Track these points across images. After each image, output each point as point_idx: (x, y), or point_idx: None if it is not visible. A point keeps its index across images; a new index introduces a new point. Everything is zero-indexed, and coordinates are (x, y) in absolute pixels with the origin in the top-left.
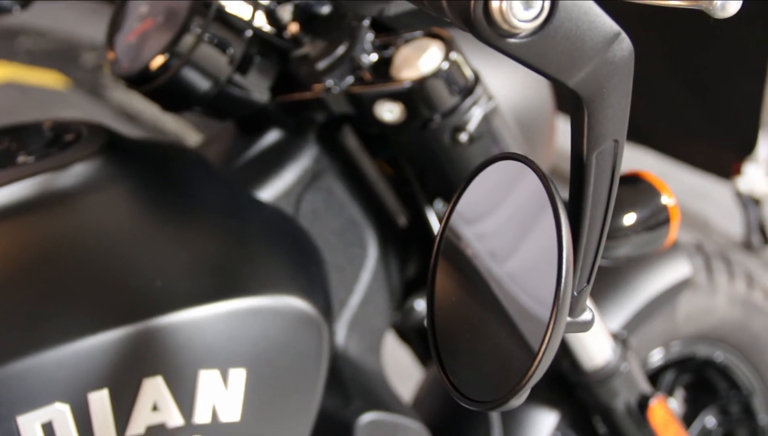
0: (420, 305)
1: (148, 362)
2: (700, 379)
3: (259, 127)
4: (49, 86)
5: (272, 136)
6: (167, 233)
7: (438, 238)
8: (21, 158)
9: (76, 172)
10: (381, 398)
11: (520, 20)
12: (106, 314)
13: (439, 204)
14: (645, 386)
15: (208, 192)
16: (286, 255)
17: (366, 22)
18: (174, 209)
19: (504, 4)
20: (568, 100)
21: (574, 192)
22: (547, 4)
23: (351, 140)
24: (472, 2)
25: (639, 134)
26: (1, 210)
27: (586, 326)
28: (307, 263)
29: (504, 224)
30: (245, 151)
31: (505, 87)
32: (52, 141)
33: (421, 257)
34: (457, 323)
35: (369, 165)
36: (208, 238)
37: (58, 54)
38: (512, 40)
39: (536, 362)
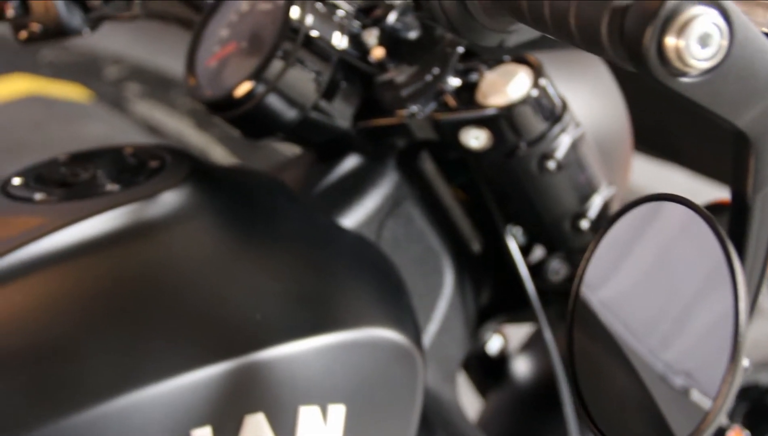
0: (487, 334)
1: (249, 398)
2: (759, 406)
3: (337, 152)
4: (73, 99)
5: (351, 162)
6: (259, 263)
7: (576, 282)
8: (108, 187)
9: (164, 202)
10: (461, 429)
11: (696, 59)
12: (207, 349)
13: (515, 230)
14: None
15: (294, 220)
16: (376, 285)
17: (460, 49)
18: (262, 239)
19: (680, 42)
20: (732, 140)
21: (734, 233)
22: (725, 43)
23: (428, 166)
24: (645, 39)
25: (668, 150)
26: (92, 241)
27: (746, 371)
28: (396, 293)
29: (642, 266)
30: (324, 177)
31: (585, 112)
32: (137, 168)
33: (494, 284)
34: (597, 370)
35: (446, 191)
36: (300, 268)
37: (81, 67)
38: (684, 80)
39: (714, 413)
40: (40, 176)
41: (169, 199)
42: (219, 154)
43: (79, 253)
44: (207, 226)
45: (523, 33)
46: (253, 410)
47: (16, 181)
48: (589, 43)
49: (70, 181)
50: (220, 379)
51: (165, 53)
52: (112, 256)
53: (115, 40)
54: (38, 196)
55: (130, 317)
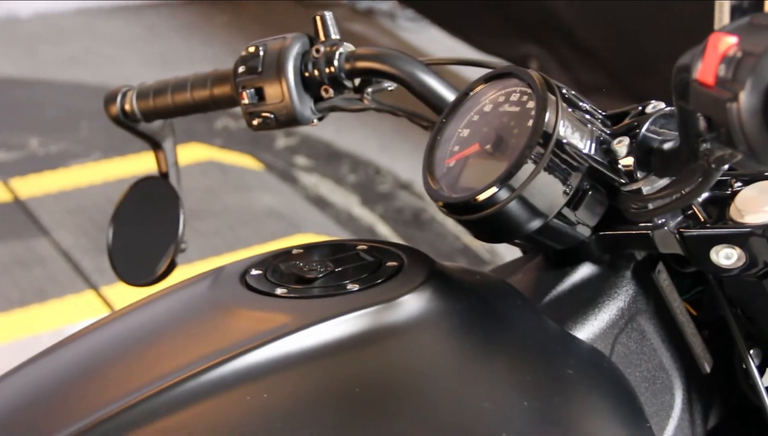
0: None
1: None
2: None
3: (569, 258)
4: (246, 167)
5: (586, 271)
6: (500, 374)
7: None
8: (348, 286)
9: (404, 305)
10: None
11: None
12: None
13: (755, 351)
14: None
15: (531, 329)
16: (616, 405)
17: (725, 167)
18: (502, 347)
19: None
20: None
21: None
22: None
23: (664, 279)
24: None
25: None
26: (335, 343)
27: None
28: (636, 414)
29: None
30: (558, 284)
31: None
32: (374, 268)
33: (723, 406)
34: None
35: (680, 306)
36: (541, 382)
37: (253, 137)
38: None
39: None
40: (277, 269)
41: (409, 303)
42: (383, 231)
43: (322, 353)
44: (446, 331)
45: None
46: None
47: (255, 272)
48: None
49: (307, 276)
50: None
51: (330, 125)
52: (355, 359)
53: None
54: (279, 290)
55: (373, 423)
